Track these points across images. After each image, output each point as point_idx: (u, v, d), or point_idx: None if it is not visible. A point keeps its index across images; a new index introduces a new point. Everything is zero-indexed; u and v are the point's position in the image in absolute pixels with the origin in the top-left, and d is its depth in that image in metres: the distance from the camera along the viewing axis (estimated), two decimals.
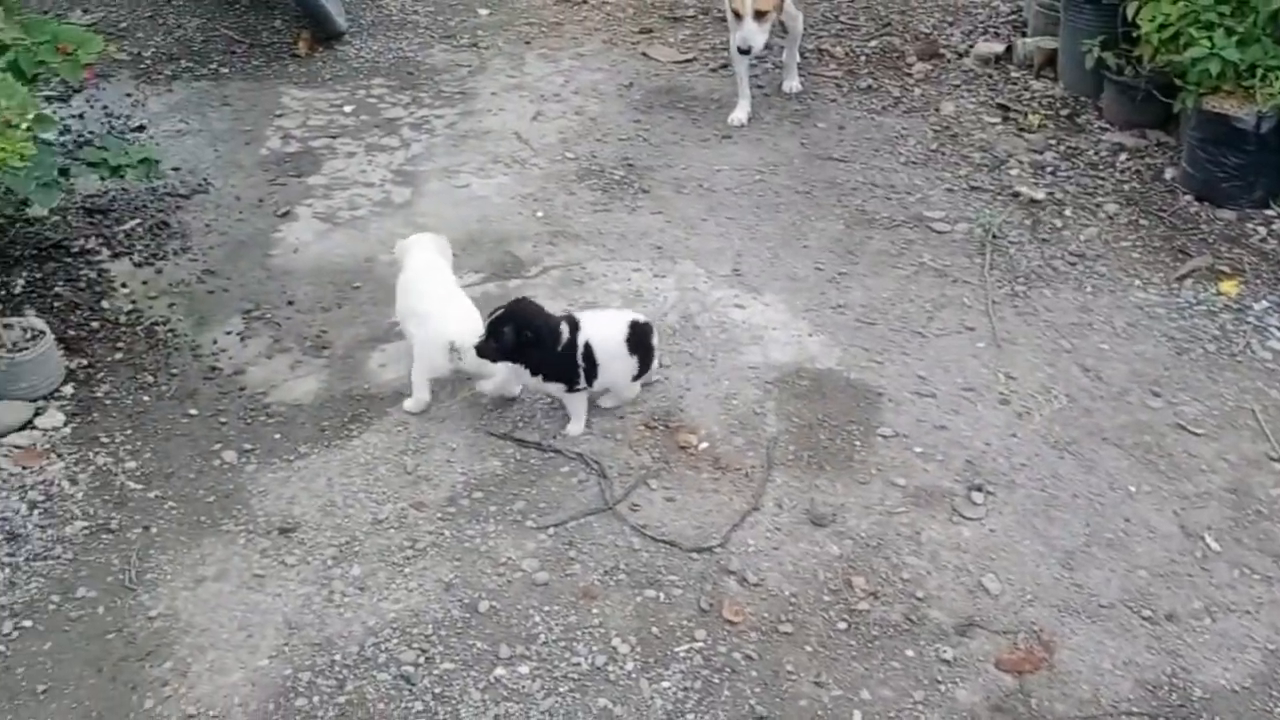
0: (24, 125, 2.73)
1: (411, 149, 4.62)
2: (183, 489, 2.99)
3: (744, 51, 4.51)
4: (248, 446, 3.12)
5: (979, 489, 2.95)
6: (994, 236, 3.94)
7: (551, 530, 2.85)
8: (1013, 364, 3.39)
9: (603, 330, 3.11)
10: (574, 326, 3.08)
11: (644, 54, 5.43)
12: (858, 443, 3.11)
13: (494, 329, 2.99)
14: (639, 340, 3.15)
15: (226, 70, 5.27)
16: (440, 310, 3.19)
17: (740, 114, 4.79)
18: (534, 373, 3.06)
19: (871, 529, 2.84)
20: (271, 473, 3.04)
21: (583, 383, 3.09)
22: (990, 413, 3.21)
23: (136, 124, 4.81)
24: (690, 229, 4.08)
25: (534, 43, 5.56)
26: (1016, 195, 4.18)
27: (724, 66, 5.27)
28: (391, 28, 5.69)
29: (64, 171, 3.65)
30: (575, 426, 3.13)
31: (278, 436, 3.17)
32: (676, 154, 4.57)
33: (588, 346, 3.06)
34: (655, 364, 3.22)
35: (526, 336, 2.98)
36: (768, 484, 2.97)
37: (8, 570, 2.74)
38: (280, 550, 2.80)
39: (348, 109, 4.93)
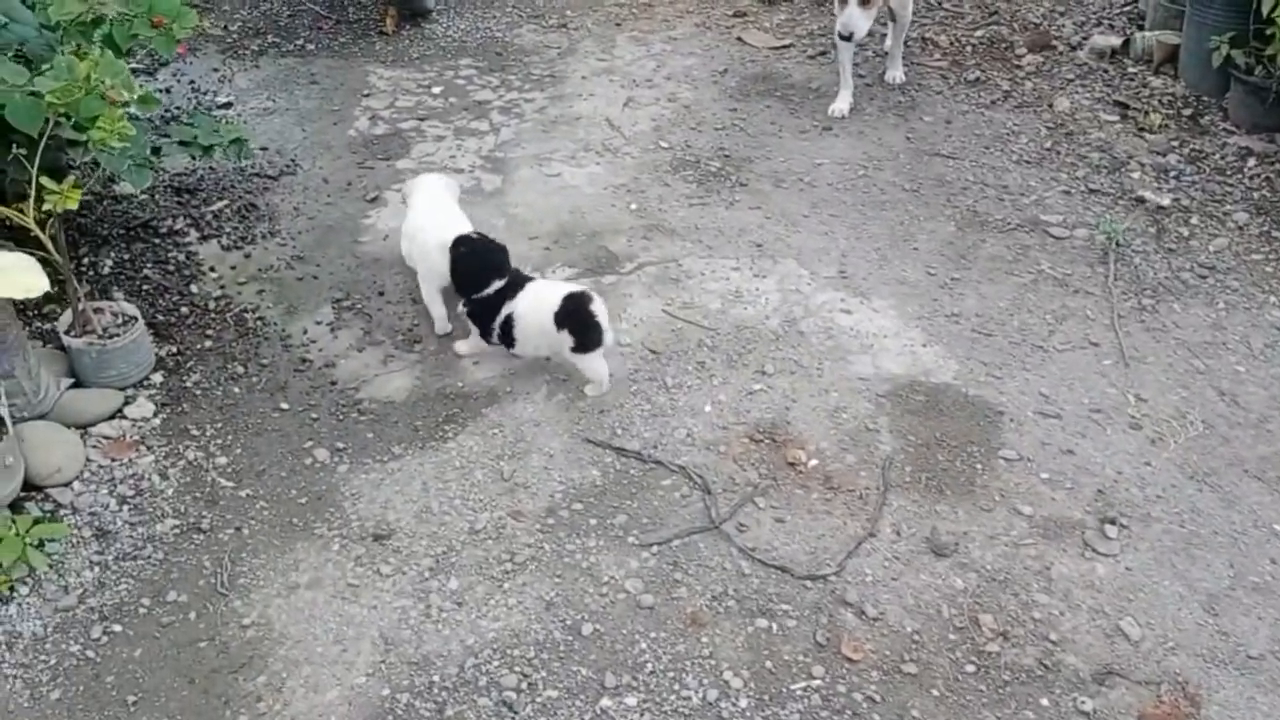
0: (127, 104, 2.63)
1: (501, 134, 4.48)
2: (274, 488, 2.90)
3: (845, 38, 4.30)
4: (340, 445, 3.02)
5: (1112, 522, 2.75)
6: (1117, 244, 3.71)
7: (655, 548, 2.71)
8: (1142, 384, 3.18)
9: (529, 303, 3.09)
10: (512, 285, 3.12)
11: (739, 39, 5.23)
12: (979, 465, 2.92)
13: (457, 240, 3.15)
14: (571, 314, 3.03)
15: (313, 47, 5.17)
16: (434, 220, 3.32)
17: (842, 104, 4.59)
18: (462, 301, 3.16)
19: (998, 562, 2.66)
20: (364, 474, 2.94)
21: (495, 340, 3.15)
22: (1121, 438, 3.01)
23: (223, 100, 4.73)
24: (791, 226, 3.90)
25: (624, 24, 5.39)
26: (1141, 201, 3.93)
27: (822, 54, 5.06)
28: (479, 6, 5.55)
29: (155, 150, 3.56)
30: (595, 388, 3.16)
31: (370, 435, 3.06)
32: (775, 145, 4.39)
33: (509, 317, 3.10)
34: (607, 338, 3.08)
35: (459, 253, 3.12)
36: (884, 507, 2.80)
37: (97, 569, 2.67)
38: (375, 558, 2.70)
39: (436, 90, 4.80)
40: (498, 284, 3.11)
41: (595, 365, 3.10)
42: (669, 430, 3.05)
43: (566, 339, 3.05)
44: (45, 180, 2.76)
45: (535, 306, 3.09)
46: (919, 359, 3.28)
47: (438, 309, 3.36)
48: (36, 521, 2.68)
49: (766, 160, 4.29)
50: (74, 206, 2.77)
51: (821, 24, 5.33)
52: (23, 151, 2.83)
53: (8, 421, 2.61)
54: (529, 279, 3.19)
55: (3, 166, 3.04)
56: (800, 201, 4.03)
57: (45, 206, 2.77)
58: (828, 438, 3.02)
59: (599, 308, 3.05)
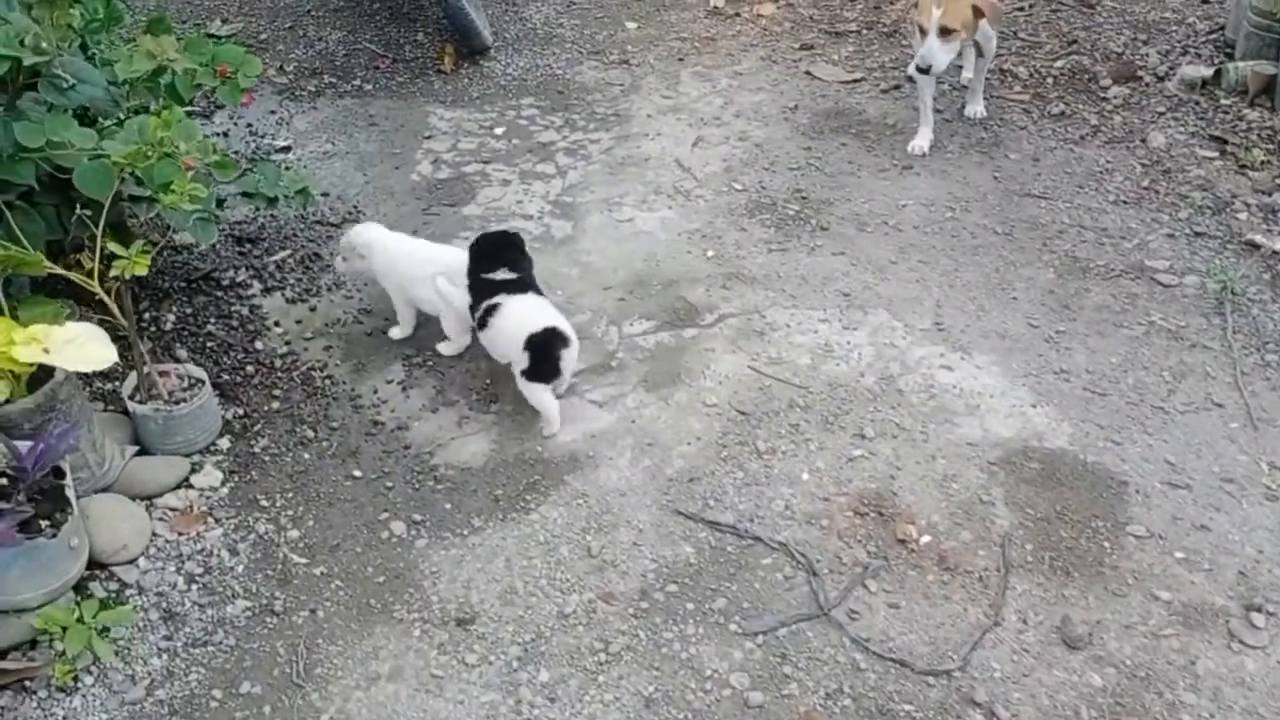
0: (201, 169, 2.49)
1: (568, 177, 4.33)
2: (350, 565, 2.73)
3: (923, 71, 4.11)
4: (417, 517, 2.85)
5: (1258, 609, 2.52)
6: (1232, 293, 3.48)
7: (760, 638, 2.51)
8: (1275, 451, 2.94)
9: (510, 319, 3.09)
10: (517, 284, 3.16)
11: (807, 73, 5.05)
12: (1106, 544, 2.70)
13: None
14: (540, 346, 3.03)
15: (370, 87, 5.05)
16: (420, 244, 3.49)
17: (922, 141, 4.39)
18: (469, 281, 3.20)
19: (1137, 655, 2.44)
20: (444, 549, 2.77)
21: (475, 321, 3.19)
22: (1257, 511, 2.77)
23: (282, 144, 4.62)
24: (879, 273, 3.70)
25: (687, 60, 5.23)
26: (1254, 246, 3.70)
27: (896, 87, 4.87)
28: (537, 42, 5.42)
29: (219, 202, 3.44)
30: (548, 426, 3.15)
31: (448, 506, 2.89)
32: (854, 186, 4.19)
33: (490, 308, 3.11)
34: (561, 380, 3.14)
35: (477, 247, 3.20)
36: (1007, 591, 2.58)
37: (165, 657, 2.51)
38: (459, 645, 2.52)
39: (498, 131, 4.66)
40: (505, 274, 3.16)
41: (542, 398, 3.09)
42: (765, 501, 2.85)
43: (524, 360, 3.03)
44: (113, 245, 2.63)
45: (520, 318, 3.08)
46: (1030, 421, 3.06)
47: (407, 314, 3.46)
48: (103, 605, 2.53)
49: (847, 202, 4.10)
50: (142, 273, 2.63)
51: (892, 56, 5.14)
52: (87, 212, 2.71)
53: (74, 502, 2.47)
54: (532, 287, 3.20)
55: (66, 225, 2.92)
56: (887, 246, 3.83)
57: (113, 273, 2.64)
58: (939, 510, 2.81)
59: (569, 352, 3.07)
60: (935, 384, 3.22)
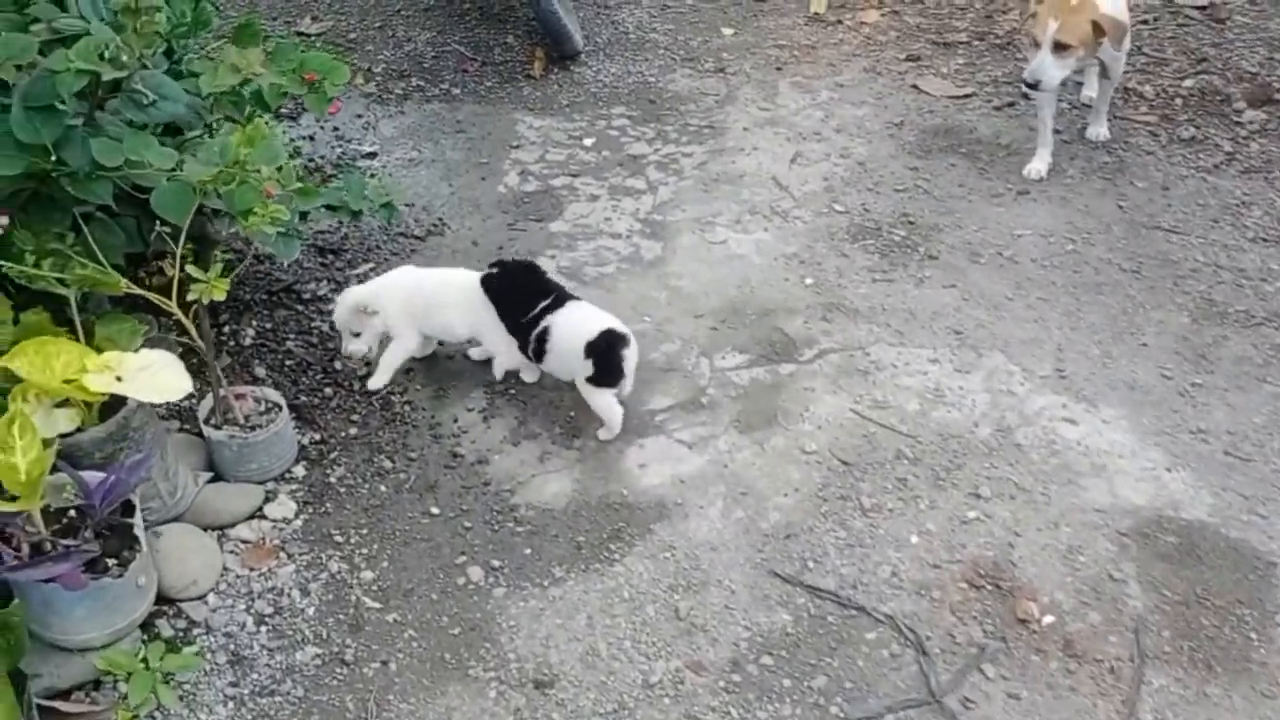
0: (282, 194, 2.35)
1: (659, 193, 4.13)
2: (424, 613, 2.58)
3: (1031, 86, 3.81)
4: (495, 563, 2.69)
5: None
6: None
7: None
8: None
9: (564, 335, 2.98)
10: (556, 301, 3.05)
11: (914, 86, 4.78)
12: (1253, 635, 2.43)
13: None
14: (601, 351, 2.94)
15: (458, 91, 4.91)
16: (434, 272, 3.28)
17: (1039, 165, 4.10)
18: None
19: None
20: (523, 601, 2.60)
21: (530, 354, 3.07)
22: None
23: (368, 149, 4.50)
24: (994, 310, 3.44)
25: (786, 69, 4.99)
26: None
27: (1009, 104, 4.58)
28: (629, 48, 5.22)
29: (303, 215, 3.32)
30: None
31: (528, 552, 2.72)
32: (965, 211, 3.93)
33: (541, 334, 3.01)
34: (625, 382, 3.01)
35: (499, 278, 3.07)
36: (1141, 686, 2.33)
37: (231, 706, 2.38)
38: (536, 711, 2.35)
39: (588, 142, 4.48)
40: (543, 303, 3.04)
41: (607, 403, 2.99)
42: (870, 565, 2.63)
43: (588, 368, 2.94)
44: (191, 269, 2.50)
45: (573, 330, 2.98)
46: (1164, 487, 2.79)
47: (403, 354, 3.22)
48: (169, 647, 2.41)
49: (957, 229, 3.83)
50: (220, 298, 2.50)
51: (1006, 70, 4.85)
52: (167, 229, 2.58)
53: (143, 540, 2.35)
54: (571, 297, 3.09)
55: (145, 238, 2.81)
56: (1002, 280, 3.57)
57: (190, 296, 2.51)
58: (1063, 587, 2.56)
59: (630, 351, 2.98)
60: (1057, 439, 2.96)
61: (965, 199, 4.00)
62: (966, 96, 4.67)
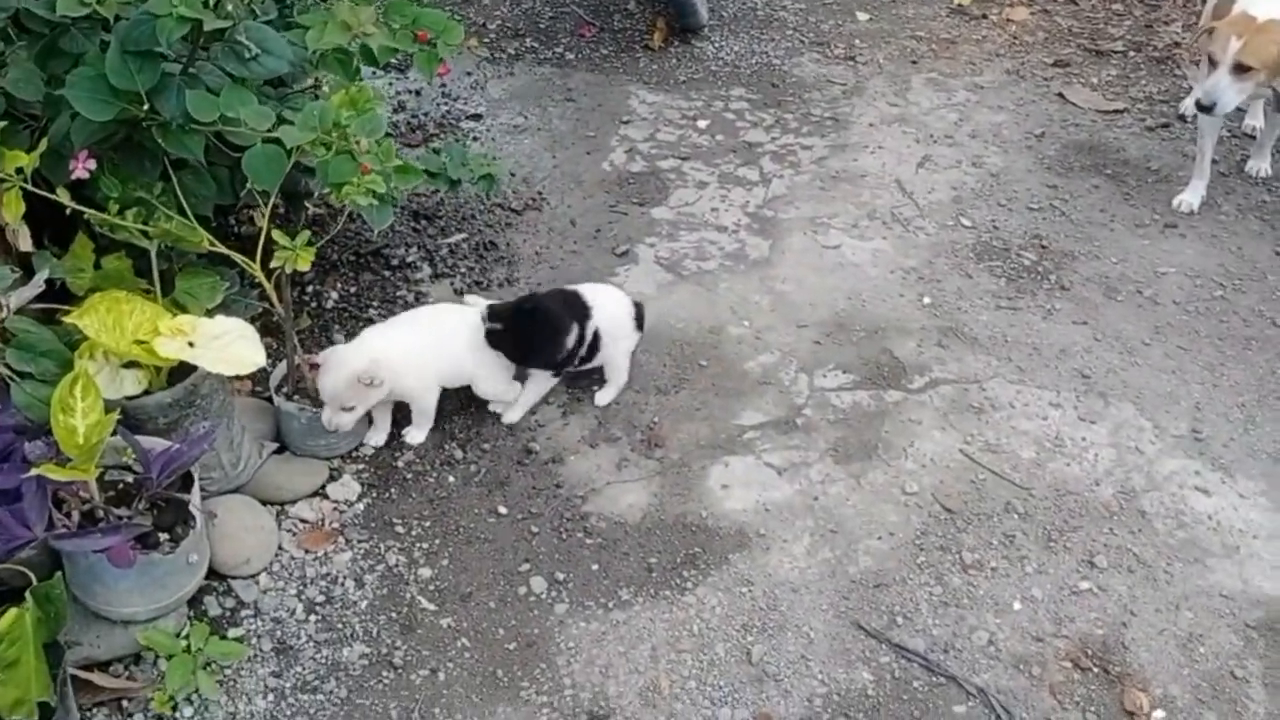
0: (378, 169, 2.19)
1: (772, 186, 3.89)
2: (480, 621, 2.44)
3: (1205, 109, 3.45)
4: (560, 576, 2.53)
5: None
6: None
7: None
8: None
9: (606, 322, 2.90)
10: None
11: (1059, 94, 4.43)
12: None
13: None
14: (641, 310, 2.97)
15: (572, 56, 4.71)
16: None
17: (1192, 197, 3.75)
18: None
19: None
20: (584, 621, 2.43)
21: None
22: None
23: (473, 111, 4.34)
24: (1128, 355, 3.14)
25: (921, 63, 4.67)
26: None
27: (1164, 125, 4.21)
28: (755, 25, 4.95)
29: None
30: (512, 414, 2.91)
31: (595, 567, 2.56)
32: (1105, 240, 3.61)
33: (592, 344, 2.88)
34: None
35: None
36: None
37: (271, 699, 2.27)
38: None
39: (702, 124, 4.25)
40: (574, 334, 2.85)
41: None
42: (965, 629, 2.40)
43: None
44: (278, 235, 2.37)
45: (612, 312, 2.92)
46: None
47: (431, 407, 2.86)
48: (213, 629, 2.31)
49: (1094, 259, 3.52)
50: (305, 268, 2.37)
51: (1162, 86, 4.46)
52: (257, 188, 2.45)
53: (199, 517, 2.24)
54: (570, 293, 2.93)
55: (237, 190, 2.69)
56: (1139, 322, 3.26)
57: (274, 263, 2.38)
58: (1179, 680, 2.30)
59: None
60: (1187, 510, 2.67)
61: (1106, 226, 3.68)
62: (1117, 112, 4.31)
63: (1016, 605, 2.45)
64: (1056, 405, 2.97)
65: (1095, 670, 2.32)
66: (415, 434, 2.84)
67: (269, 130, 2.21)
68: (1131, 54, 4.69)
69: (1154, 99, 4.38)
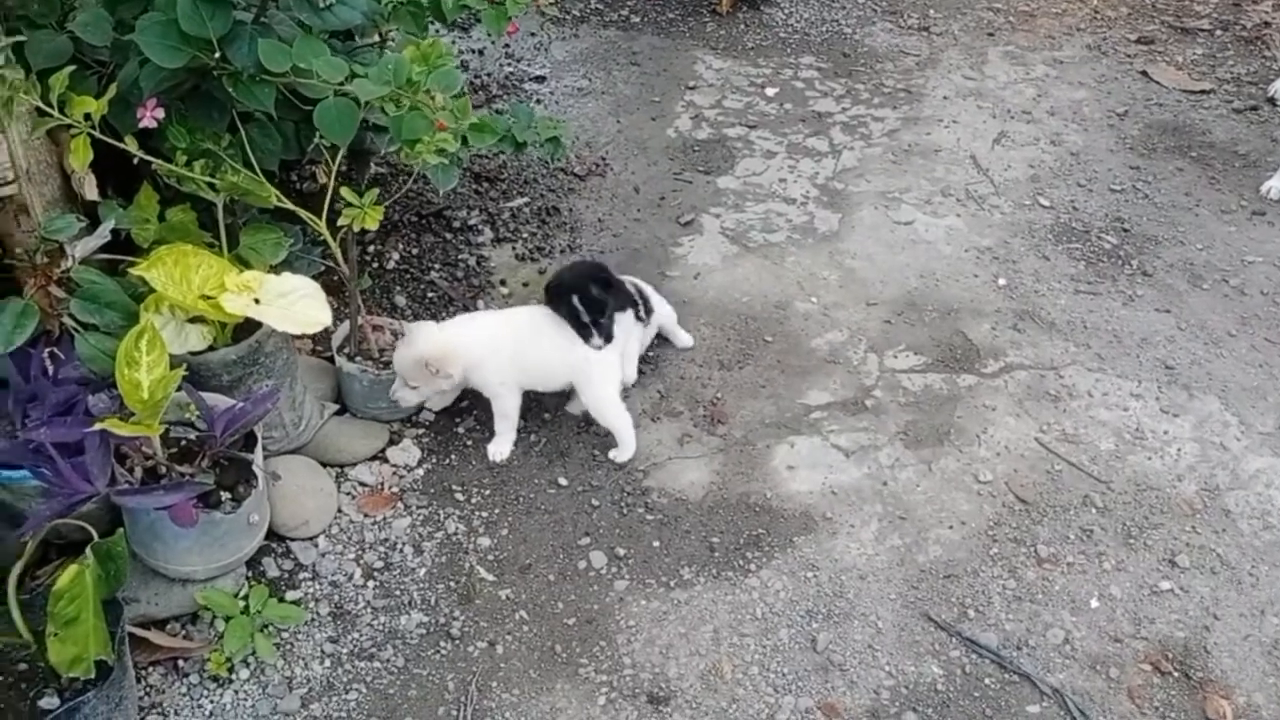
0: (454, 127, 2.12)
1: (842, 158, 3.78)
2: (539, 595, 2.39)
3: None
4: (620, 551, 2.47)
5: None
6: None
7: None
8: None
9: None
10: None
11: (1142, 72, 4.27)
12: None
13: (589, 304, 2.58)
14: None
15: (638, 19, 4.61)
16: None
17: None
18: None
19: None
20: (645, 599, 2.38)
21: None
22: None
23: (537, 72, 4.26)
24: (1214, 346, 3.01)
25: (999, 35, 4.52)
26: None
27: (1253, 108, 4.04)
28: None
29: (464, 140, 3.09)
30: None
31: (656, 544, 2.49)
32: (1189, 225, 3.47)
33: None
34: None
35: (608, 280, 2.64)
36: None
37: (328, 664, 2.24)
38: None
39: (770, 91, 4.14)
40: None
41: None
42: (1039, 625, 2.31)
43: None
44: (345, 192, 2.31)
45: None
46: None
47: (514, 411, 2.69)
48: (272, 591, 2.28)
49: (1179, 245, 3.38)
50: (373, 227, 2.31)
51: (1250, 68, 4.28)
52: (326, 143, 2.39)
53: (261, 476, 2.20)
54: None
55: (304, 145, 2.63)
56: (1225, 312, 3.12)
57: (340, 221, 2.32)
58: (1264, 688, 2.20)
59: None
60: (1273, 510, 2.56)
61: (1191, 211, 3.53)
62: (1203, 93, 4.14)
63: (1094, 603, 2.36)
64: (1137, 396, 2.86)
65: (1176, 675, 2.23)
66: (496, 447, 2.66)
67: (341, 83, 2.13)
68: (1219, 33, 4.50)
69: (1241, 80, 4.20)
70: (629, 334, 2.74)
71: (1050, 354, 2.99)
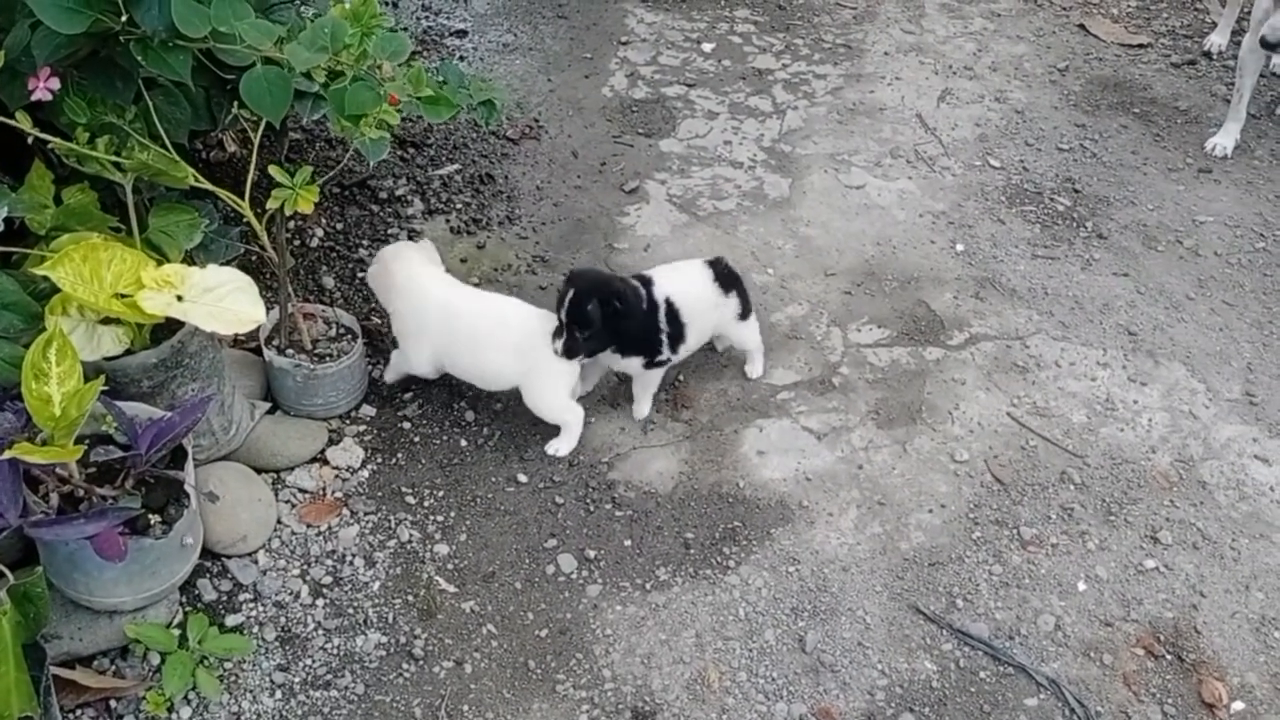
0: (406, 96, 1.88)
1: (787, 118, 3.62)
2: (506, 605, 2.21)
3: (1270, 46, 3.22)
4: (590, 553, 2.31)
5: None
6: None
7: None
8: None
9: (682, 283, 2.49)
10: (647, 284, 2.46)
11: (1080, 25, 4.21)
12: None
13: (576, 314, 2.30)
14: (728, 279, 2.55)
15: None
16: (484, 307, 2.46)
17: (1225, 140, 3.57)
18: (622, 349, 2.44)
19: None
20: (620, 604, 2.22)
21: (666, 353, 2.47)
22: None
23: (458, 26, 3.98)
24: (1174, 310, 2.97)
25: None
26: None
27: (1190, 62, 4.01)
28: None
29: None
30: (642, 408, 2.57)
31: (628, 543, 2.34)
32: (1139, 185, 3.42)
33: (669, 304, 2.44)
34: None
35: (615, 308, 2.32)
36: None
37: (279, 696, 2.03)
38: None
39: (706, 47, 3.95)
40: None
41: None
42: (1029, 612, 2.24)
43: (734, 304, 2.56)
44: (274, 170, 2.06)
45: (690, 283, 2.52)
46: None
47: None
48: (210, 619, 2.05)
49: (1130, 205, 3.33)
50: (307, 210, 2.06)
51: (1185, 20, 4.26)
52: (246, 114, 2.12)
53: (193, 495, 1.96)
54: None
55: (216, 114, 2.35)
56: (1181, 275, 3.09)
57: (270, 204, 2.07)
58: (1255, 667, 2.17)
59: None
60: (1247, 480, 2.53)
61: (1139, 169, 3.49)
62: (1141, 47, 4.10)
63: (1081, 585, 2.29)
64: (1104, 365, 2.80)
65: (1169, 658, 2.18)
66: (559, 445, 2.49)
67: (269, 52, 1.87)
68: None
69: (1177, 34, 4.18)
70: (600, 363, 2.52)
71: (1014, 323, 2.91)
